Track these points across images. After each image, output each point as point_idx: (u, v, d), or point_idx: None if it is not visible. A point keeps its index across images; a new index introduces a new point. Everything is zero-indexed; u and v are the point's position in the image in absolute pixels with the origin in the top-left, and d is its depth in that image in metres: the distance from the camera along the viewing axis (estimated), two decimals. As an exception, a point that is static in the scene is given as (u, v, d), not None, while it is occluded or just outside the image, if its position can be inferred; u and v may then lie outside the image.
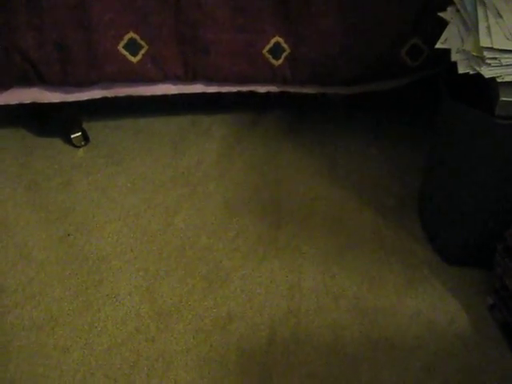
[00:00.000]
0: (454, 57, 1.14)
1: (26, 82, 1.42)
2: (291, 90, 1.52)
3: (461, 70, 1.11)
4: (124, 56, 1.39)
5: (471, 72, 1.09)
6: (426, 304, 1.23)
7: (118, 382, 1.10)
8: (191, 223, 1.42)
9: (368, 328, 1.18)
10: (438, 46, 1.17)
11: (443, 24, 1.20)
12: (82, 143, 1.64)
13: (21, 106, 1.54)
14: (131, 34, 1.38)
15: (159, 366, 1.12)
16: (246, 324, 1.19)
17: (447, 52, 1.17)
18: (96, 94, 1.46)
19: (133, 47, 1.39)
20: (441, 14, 1.20)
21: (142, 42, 1.39)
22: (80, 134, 1.63)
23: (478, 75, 1.08)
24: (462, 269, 1.29)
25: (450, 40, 1.17)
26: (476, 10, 1.13)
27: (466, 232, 1.27)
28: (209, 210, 1.45)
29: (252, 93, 1.53)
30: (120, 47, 1.38)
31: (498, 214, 1.19)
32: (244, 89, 1.50)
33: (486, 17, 1.11)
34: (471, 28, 1.13)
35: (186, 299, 1.24)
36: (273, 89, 1.51)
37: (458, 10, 1.19)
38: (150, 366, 1.12)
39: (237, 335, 1.17)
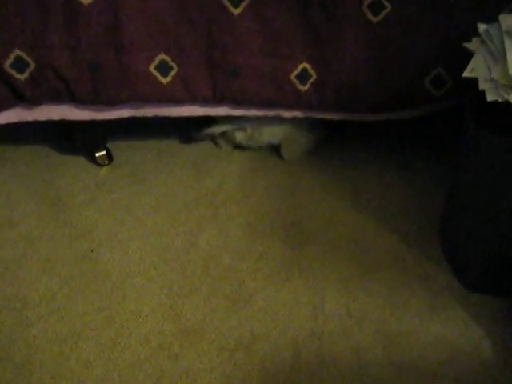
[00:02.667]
0: (482, 85, 1.17)
1: (56, 99, 1.44)
2: (316, 115, 1.54)
3: (489, 98, 1.14)
4: (155, 77, 1.42)
5: (500, 100, 1.12)
6: (449, 330, 1.22)
7: (141, 398, 1.10)
8: (214, 243, 1.43)
9: (391, 351, 1.18)
10: (466, 74, 1.20)
11: (466, 55, 1.24)
12: (106, 162, 1.67)
13: (47, 124, 1.57)
14: (163, 56, 1.41)
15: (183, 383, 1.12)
16: (269, 344, 1.19)
17: (470, 82, 1.20)
18: (125, 113, 1.49)
19: (164, 69, 1.42)
20: (466, 45, 1.24)
21: (173, 64, 1.42)
22: (104, 152, 1.66)
23: (506, 103, 1.11)
24: (484, 296, 1.29)
25: (476, 69, 1.20)
26: (503, 42, 1.17)
27: (486, 260, 1.27)
28: (232, 231, 1.47)
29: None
30: (151, 68, 1.41)
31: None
32: (270, 113, 1.53)
33: (514, 47, 1.15)
34: (498, 58, 1.16)
35: (210, 318, 1.24)
36: (298, 114, 1.54)
37: (483, 41, 1.22)
38: (173, 383, 1.12)
39: (260, 355, 1.17)
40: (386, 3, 1.37)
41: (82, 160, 1.70)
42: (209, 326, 1.23)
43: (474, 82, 1.19)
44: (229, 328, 1.22)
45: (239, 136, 1.72)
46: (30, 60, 1.38)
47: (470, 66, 1.22)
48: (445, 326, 1.23)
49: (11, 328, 1.22)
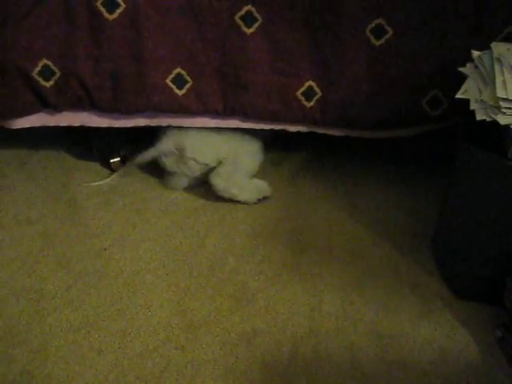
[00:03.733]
0: (473, 106, 1.27)
1: (78, 106, 1.55)
2: (319, 131, 1.63)
3: (478, 117, 1.24)
4: (171, 89, 1.52)
5: (488, 119, 1.22)
6: (438, 333, 1.30)
7: (148, 384, 1.18)
8: (220, 246, 1.51)
9: (384, 351, 1.26)
10: (459, 95, 1.30)
11: (461, 78, 1.34)
12: (120, 168, 1.76)
13: (65, 130, 1.67)
14: (179, 70, 1.51)
15: (188, 373, 1.19)
16: (269, 340, 1.27)
17: (465, 103, 1.30)
18: (141, 121, 1.59)
19: (179, 81, 1.52)
20: (461, 69, 1.34)
21: (188, 78, 1.52)
22: (118, 159, 1.76)
23: (494, 122, 1.21)
24: (472, 303, 1.37)
25: (469, 91, 1.31)
26: (493, 67, 1.27)
27: (475, 270, 1.36)
28: (237, 235, 1.55)
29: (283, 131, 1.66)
30: (168, 81, 1.51)
31: (510, 254, 1.29)
32: (276, 127, 1.63)
33: (502, 72, 1.25)
34: (488, 81, 1.26)
35: (215, 314, 1.32)
36: (302, 129, 1.63)
37: (476, 66, 1.33)
38: (179, 372, 1.19)
39: (261, 349, 1.25)
40: (388, 28, 1.47)
41: (96, 166, 1.80)
42: (213, 322, 1.31)
43: (466, 103, 1.30)
44: (232, 324, 1.30)
45: (168, 162, 1.66)
46: (56, 69, 1.49)
47: (462, 88, 1.32)
48: (434, 330, 1.31)
49: (28, 317, 1.30)
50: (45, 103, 1.53)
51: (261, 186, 1.69)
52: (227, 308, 1.34)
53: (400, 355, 1.25)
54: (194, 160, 1.63)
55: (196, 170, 1.67)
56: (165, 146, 1.63)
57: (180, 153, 1.63)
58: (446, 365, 1.24)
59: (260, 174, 1.78)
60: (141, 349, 1.24)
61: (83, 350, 1.23)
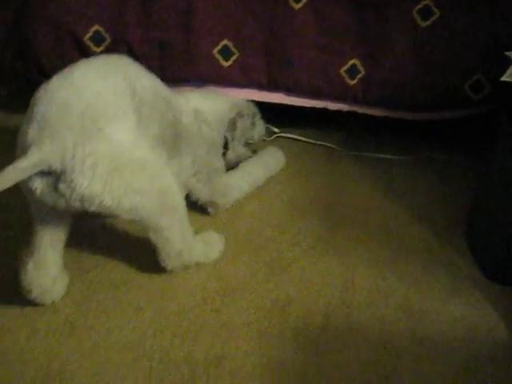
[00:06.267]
0: (518, 89, 1.28)
1: (125, 73, 1.59)
2: (359, 110, 1.66)
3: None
4: (217, 60, 1.55)
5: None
6: (468, 312, 1.32)
7: (184, 342, 1.21)
8: (257, 217, 1.55)
9: (413, 325, 1.28)
10: (504, 78, 1.31)
11: (506, 63, 1.34)
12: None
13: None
14: (226, 41, 1.55)
15: (222, 334, 1.23)
16: (302, 308, 1.30)
17: (507, 88, 1.31)
18: (186, 89, 1.62)
19: (226, 53, 1.56)
20: (508, 54, 1.34)
21: (235, 50, 1.56)
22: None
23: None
24: (503, 286, 1.39)
25: (514, 75, 1.32)
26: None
27: (508, 253, 1.37)
28: (274, 207, 1.59)
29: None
30: (215, 51, 1.55)
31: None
32: (318, 105, 1.65)
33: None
34: (535, 65, 1.27)
35: (250, 280, 1.36)
36: (343, 107, 1.66)
37: (523, 51, 1.33)
38: (214, 333, 1.24)
39: (294, 316, 1.29)
40: (435, 10, 1.48)
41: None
42: (248, 287, 1.35)
43: (509, 88, 1.30)
44: (266, 290, 1.34)
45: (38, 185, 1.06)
46: (106, 35, 1.53)
47: (508, 71, 1.32)
48: (464, 309, 1.33)
49: (71, 272, 1.34)
50: (94, 68, 1.58)
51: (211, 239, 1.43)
52: (262, 275, 1.38)
53: (429, 331, 1.28)
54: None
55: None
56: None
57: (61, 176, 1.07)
58: (473, 343, 1.26)
59: (299, 147, 1.81)
60: (178, 308, 1.29)
61: (122, 305, 1.29)
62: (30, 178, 1.04)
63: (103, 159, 1.06)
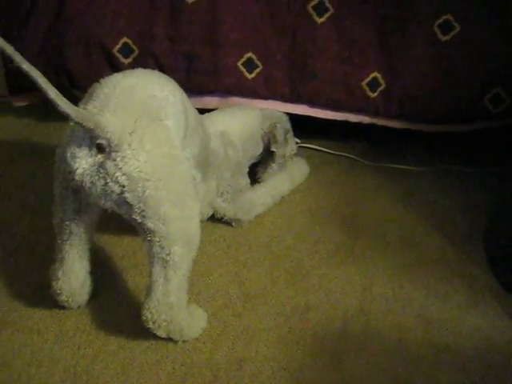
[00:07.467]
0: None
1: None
2: (380, 122, 1.69)
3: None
4: (241, 72, 1.60)
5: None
6: (486, 323, 1.34)
7: (206, 344, 1.25)
8: (278, 225, 1.59)
9: (431, 334, 1.31)
10: (523, 93, 1.34)
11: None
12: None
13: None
14: (250, 54, 1.59)
15: (243, 338, 1.27)
16: (321, 315, 1.34)
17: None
18: (211, 101, 1.66)
19: (250, 66, 1.60)
20: (527, 68, 1.38)
21: (258, 63, 1.60)
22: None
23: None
24: (521, 298, 1.41)
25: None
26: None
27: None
28: (294, 216, 1.63)
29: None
30: (239, 64, 1.59)
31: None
32: (339, 117, 1.68)
33: None
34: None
35: (270, 287, 1.40)
36: (364, 119, 1.69)
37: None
38: (235, 337, 1.27)
39: (313, 323, 1.32)
40: (455, 24, 1.51)
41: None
42: (269, 294, 1.38)
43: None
44: (286, 297, 1.37)
45: (81, 163, 1.02)
46: (134, 47, 1.58)
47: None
48: (481, 319, 1.35)
49: (97, 277, 1.38)
50: (122, 79, 1.63)
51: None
52: (282, 282, 1.41)
53: (446, 340, 1.30)
54: None
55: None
56: None
57: None
58: (490, 354, 1.28)
59: (319, 158, 1.84)
60: (200, 313, 1.33)
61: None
62: (74, 156, 1.01)
63: (160, 146, 1.04)
